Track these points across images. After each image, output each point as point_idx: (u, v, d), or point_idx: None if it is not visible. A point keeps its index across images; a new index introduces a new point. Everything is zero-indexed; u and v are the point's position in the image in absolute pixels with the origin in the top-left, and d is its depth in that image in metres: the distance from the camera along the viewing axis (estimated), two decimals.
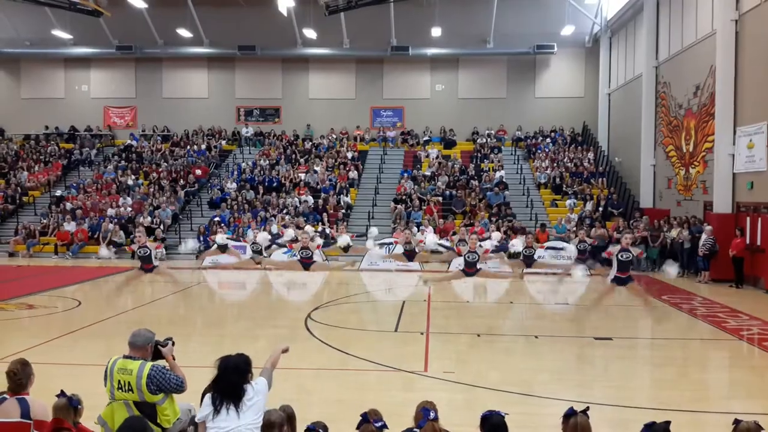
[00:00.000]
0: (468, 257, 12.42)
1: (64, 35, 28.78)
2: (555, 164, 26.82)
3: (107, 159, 29.40)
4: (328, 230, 21.97)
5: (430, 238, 15.83)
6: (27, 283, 16.92)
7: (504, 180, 25.65)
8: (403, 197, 24.72)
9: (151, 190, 26.10)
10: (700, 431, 6.54)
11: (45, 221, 24.13)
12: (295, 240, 15.23)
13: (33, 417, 4.20)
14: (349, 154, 28.49)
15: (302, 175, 26.69)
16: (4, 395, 4.31)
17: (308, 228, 17.89)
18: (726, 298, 14.60)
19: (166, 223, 23.57)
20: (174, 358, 4.90)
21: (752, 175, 16.44)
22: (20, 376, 4.33)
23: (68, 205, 24.87)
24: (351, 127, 30.53)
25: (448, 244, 15.08)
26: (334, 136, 30.03)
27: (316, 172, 26.78)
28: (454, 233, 21.28)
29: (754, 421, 3.92)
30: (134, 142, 30.53)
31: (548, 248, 18.99)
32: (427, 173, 26.77)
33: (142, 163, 28.73)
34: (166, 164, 28.28)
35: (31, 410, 4.22)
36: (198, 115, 30.97)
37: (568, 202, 24.17)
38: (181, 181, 26.78)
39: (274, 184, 26.26)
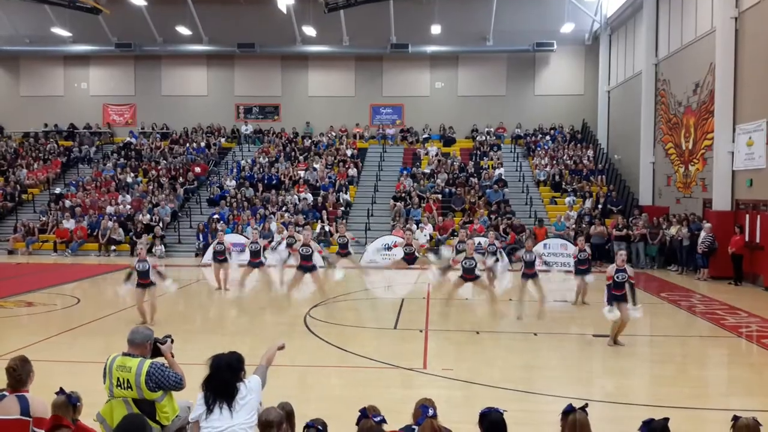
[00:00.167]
0: (465, 263, 11.90)
1: (64, 33, 28.71)
2: (554, 162, 26.81)
3: (106, 157, 29.38)
4: (327, 228, 22.01)
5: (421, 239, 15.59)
6: (26, 281, 16.94)
7: (503, 177, 25.62)
8: (403, 195, 24.71)
9: (151, 187, 26.09)
10: (699, 428, 6.55)
11: (44, 219, 24.13)
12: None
13: (32, 414, 4.20)
14: (349, 152, 28.47)
15: (301, 173, 26.66)
16: (4, 392, 4.31)
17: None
18: (725, 295, 14.62)
19: (165, 221, 23.56)
20: (173, 356, 4.90)
21: (751, 172, 16.44)
22: (20, 372, 4.32)
23: (67, 203, 24.85)
24: (350, 124, 30.50)
25: (447, 252, 14.88)
26: (334, 134, 30.00)
27: (315, 169, 26.77)
28: (454, 231, 21.30)
29: (752, 417, 3.94)
30: (133, 140, 30.51)
31: (549, 254, 18.83)
32: (427, 171, 26.74)
33: (141, 160, 28.69)
34: (165, 162, 28.25)
35: (31, 407, 4.21)
36: (197, 113, 30.93)
37: (567, 199, 24.16)
38: (181, 179, 26.77)
39: (274, 182, 26.24)
